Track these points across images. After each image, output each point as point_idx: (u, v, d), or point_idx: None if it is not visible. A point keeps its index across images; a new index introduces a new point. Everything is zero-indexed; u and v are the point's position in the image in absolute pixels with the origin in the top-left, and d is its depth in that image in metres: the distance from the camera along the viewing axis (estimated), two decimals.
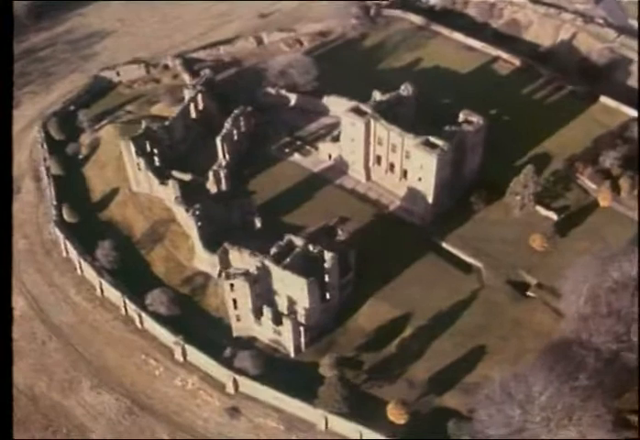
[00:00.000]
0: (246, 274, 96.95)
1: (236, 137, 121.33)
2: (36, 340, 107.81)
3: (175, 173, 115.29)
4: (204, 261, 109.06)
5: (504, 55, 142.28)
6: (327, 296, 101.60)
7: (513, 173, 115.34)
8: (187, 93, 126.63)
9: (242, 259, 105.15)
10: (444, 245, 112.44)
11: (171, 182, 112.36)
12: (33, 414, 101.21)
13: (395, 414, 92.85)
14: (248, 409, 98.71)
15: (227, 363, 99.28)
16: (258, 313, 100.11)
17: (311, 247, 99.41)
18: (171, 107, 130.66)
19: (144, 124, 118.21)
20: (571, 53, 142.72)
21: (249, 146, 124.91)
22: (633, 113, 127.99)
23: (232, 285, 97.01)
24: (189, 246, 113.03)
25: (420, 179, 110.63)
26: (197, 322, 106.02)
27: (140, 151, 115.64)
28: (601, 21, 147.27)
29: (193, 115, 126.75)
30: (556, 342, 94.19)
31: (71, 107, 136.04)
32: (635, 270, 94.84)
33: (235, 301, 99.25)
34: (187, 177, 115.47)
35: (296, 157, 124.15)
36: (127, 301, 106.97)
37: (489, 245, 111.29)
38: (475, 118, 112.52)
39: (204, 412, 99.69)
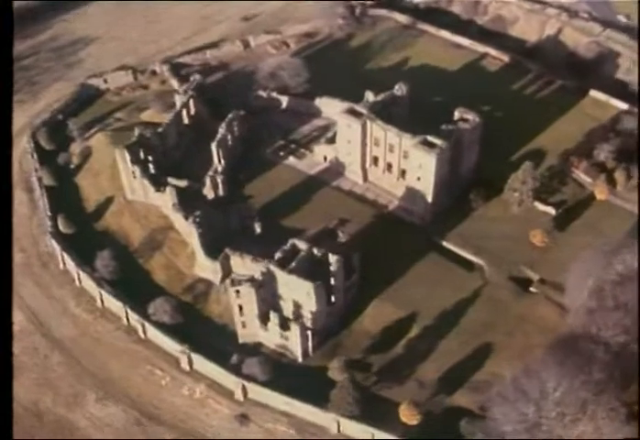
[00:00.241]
0: (252, 280, 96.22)
1: (230, 142, 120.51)
2: (38, 355, 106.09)
3: (171, 180, 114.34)
4: (206, 268, 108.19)
5: (492, 52, 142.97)
6: (333, 299, 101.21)
7: (508, 170, 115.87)
8: (178, 99, 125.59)
9: (244, 265, 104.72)
10: (445, 243, 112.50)
11: (168, 189, 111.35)
12: (39, 431, 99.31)
13: (408, 415, 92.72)
14: (258, 415, 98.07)
15: (235, 370, 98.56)
16: (264, 319, 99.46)
17: (315, 251, 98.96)
18: (162, 113, 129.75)
19: (137, 131, 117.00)
20: (558, 48, 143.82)
21: (243, 150, 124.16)
22: (623, 105, 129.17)
23: (238, 291, 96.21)
24: (188, 253, 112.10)
25: (419, 178, 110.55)
26: (201, 330, 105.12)
27: (135, 159, 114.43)
28: (585, 15, 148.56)
29: (186, 120, 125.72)
30: (564, 337, 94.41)
31: (60, 116, 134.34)
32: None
33: (241, 307, 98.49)
34: (183, 183, 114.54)
35: (291, 160, 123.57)
36: (130, 311, 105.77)
37: (489, 242, 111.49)
38: (471, 116, 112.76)
39: (214, 420, 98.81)
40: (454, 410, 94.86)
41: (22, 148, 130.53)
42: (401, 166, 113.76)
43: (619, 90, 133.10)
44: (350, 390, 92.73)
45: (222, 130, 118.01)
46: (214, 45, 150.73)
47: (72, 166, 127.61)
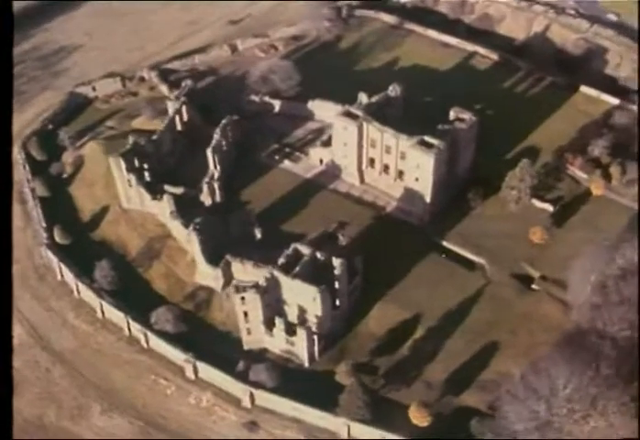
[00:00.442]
0: (256, 286, 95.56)
1: (225, 147, 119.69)
2: (39, 368, 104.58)
3: (167, 187, 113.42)
4: (207, 276, 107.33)
5: (481, 50, 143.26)
6: (337, 303, 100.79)
7: (504, 168, 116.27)
8: (171, 106, 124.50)
9: (245, 271, 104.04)
10: (445, 243, 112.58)
11: (165, 197, 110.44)
12: None
13: (418, 417, 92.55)
14: (267, 422, 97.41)
15: (242, 377, 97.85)
16: (269, 325, 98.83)
17: (318, 255, 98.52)
18: (153, 120, 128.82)
19: (131, 139, 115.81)
20: (546, 45, 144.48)
21: (238, 155, 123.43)
22: (614, 101, 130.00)
23: (243, 298, 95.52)
24: (187, 261, 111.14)
25: (417, 179, 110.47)
26: (205, 337, 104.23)
27: (130, 167, 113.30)
28: (572, 12, 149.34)
29: (179, 127, 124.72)
30: (570, 333, 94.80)
31: (50, 126, 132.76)
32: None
33: (245, 313, 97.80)
34: (179, 190, 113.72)
35: (287, 163, 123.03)
36: (131, 321, 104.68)
37: (489, 240, 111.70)
38: (467, 115, 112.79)
39: (222, 429, 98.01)
40: (463, 410, 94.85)
41: (13, 159, 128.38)
42: (398, 167, 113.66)
43: (608, 85, 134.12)
44: (359, 393, 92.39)
45: (217, 136, 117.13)
46: (201, 50, 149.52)
47: (65, 176, 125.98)
